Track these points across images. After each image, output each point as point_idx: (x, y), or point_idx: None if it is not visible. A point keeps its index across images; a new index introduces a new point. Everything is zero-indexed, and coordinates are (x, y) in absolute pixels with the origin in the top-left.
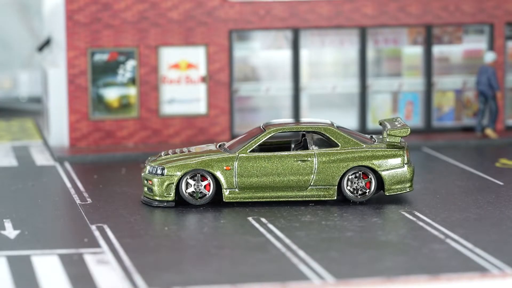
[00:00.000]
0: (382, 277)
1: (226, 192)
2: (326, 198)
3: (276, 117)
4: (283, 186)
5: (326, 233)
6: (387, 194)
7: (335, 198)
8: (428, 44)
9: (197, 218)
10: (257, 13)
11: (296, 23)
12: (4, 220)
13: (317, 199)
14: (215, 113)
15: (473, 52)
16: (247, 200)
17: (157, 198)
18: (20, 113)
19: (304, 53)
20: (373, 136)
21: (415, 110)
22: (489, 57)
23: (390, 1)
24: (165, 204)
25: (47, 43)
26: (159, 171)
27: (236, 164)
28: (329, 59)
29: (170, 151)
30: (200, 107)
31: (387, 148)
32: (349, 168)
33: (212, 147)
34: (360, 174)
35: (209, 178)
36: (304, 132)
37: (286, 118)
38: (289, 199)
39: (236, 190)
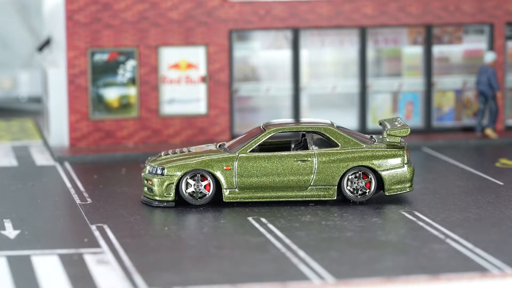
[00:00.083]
0: (382, 277)
1: (226, 192)
2: (326, 198)
3: (276, 117)
4: (283, 186)
5: (326, 233)
6: (387, 194)
7: (335, 198)
8: (428, 44)
9: (197, 218)
10: (257, 13)
11: (296, 23)
12: (4, 220)
13: (317, 199)
14: (215, 113)
15: (473, 52)
16: (247, 200)
17: (157, 198)
18: (20, 113)
19: (304, 53)
20: (373, 136)
21: (415, 110)
22: (489, 57)
23: (390, 1)
24: (165, 204)
25: (47, 43)
26: (159, 171)
27: (236, 164)
28: (329, 59)
29: (170, 151)
30: (200, 107)
31: (387, 148)
32: (349, 168)
33: (212, 147)
34: (360, 174)
35: (209, 178)
36: (304, 132)
37: (286, 118)
38: (289, 199)
39: (236, 190)
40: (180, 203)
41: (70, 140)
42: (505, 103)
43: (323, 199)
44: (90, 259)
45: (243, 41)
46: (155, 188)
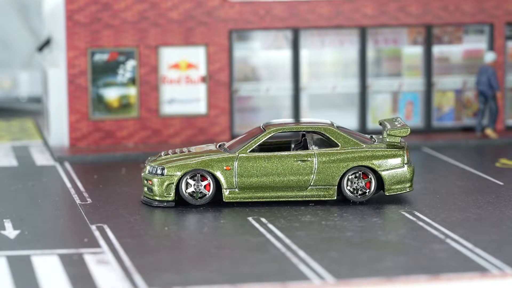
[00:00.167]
0: (382, 277)
1: (226, 192)
2: (326, 198)
3: (276, 117)
4: (283, 186)
5: (326, 233)
6: (387, 194)
7: (335, 198)
8: (428, 44)
9: (197, 218)
10: (257, 13)
11: (296, 23)
12: (4, 220)
13: (317, 199)
14: (215, 113)
15: (473, 52)
16: (247, 200)
17: (157, 198)
18: (20, 113)
19: (304, 53)
20: (373, 136)
21: (415, 110)
22: (489, 57)
23: (390, 1)
24: (165, 204)
25: (47, 43)
26: (159, 171)
27: (236, 164)
28: (329, 59)
29: (170, 151)
30: (200, 107)
31: (387, 148)
32: (349, 168)
33: (212, 147)
34: (360, 174)
35: (209, 178)
36: (304, 132)
37: (286, 118)
38: (289, 199)
39: (236, 190)
40: (180, 203)
41: (70, 140)
42: (505, 103)
43: (323, 199)
44: (90, 259)
45: (243, 41)
46: (155, 188)
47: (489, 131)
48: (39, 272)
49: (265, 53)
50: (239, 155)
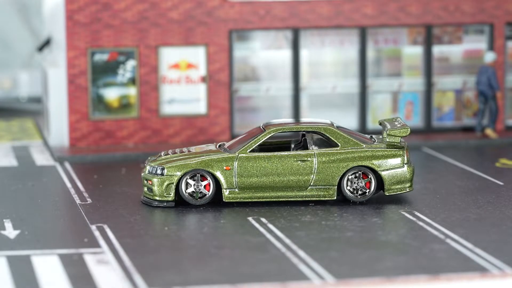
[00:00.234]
0: (382, 277)
1: (226, 192)
2: (326, 198)
3: (276, 117)
4: (283, 186)
5: (326, 233)
6: (387, 194)
7: (335, 198)
8: (428, 44)
9: (197, 218)
10: (257, 13)
11: (296, 23)
12: (4, 220)
13: (317, 199)
14: (215, 113)
15: (473, 52)
16: (247, 200)
17: (157, 198)
18: (20, 113)
19: (304, 53)
20: (373, 136)
21: (415, 110)
22: (489, 57)
23: (390, 1)
24: (165, 204)
25: (47, 43)
26: (159, 171)
27: (236, 164)
28: (329, 59)
29: (170, 151)
30: (200, 107)
31: (387, 148)
32: (349, 168)
33: (212, 147)
34: (360, 174)
35: (209, 178)
36: (304, 132)
37: (286, 118)
38: (289, 199)
39: (236, 190)
40: (180, 203)
41: (70, 140)
42: (505, 103)
43: (323, 199)
44: (90, 259)
45: (243, 41)
46: (155, 188)
47: (489, 131)
48: (39, 272)
49: (265, 53)
50: (239, 155)
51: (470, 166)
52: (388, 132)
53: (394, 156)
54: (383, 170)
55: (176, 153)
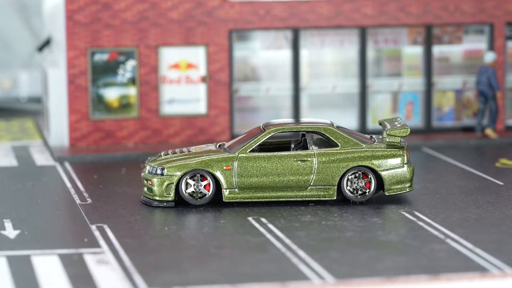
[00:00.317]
0: (382, 277)
1: (226, 192)
2: (326, 198)
3: (276, 117)
4: (283, 186)
5: (326, 233)
6: (387, 194)
7: (335, 198)
8: (428, 44)
9: (197, 218)
10: (257, 13)
11: (296, 23)
12: (4, 220)
13: (317, 199)
14: (215, 113)
15: (473, 52)
16: (247, 200)
17: (157, 198)
18: (20, 113)
19: (304, 53)
20: (373, 136)
21: (415, 110)
22: (489, 57)
23: (390, 1)
24: (165, 204)
25: (47, 43)
26: (159, 171)
27: (236, 164)
28: (329, 59)
29: (170, 151)
30: (200, 107)
31: (387, 148)
32: (349, 168)
33: (212, 147)
34: (360, 174)
35: (208, 178)
36: (304, 132)
37: (286, 118)
38: (289, 199)
39: (236, 190)
40: (180, 203)
41: (70, 140)
42: (505, 103)
43: (323, 199)
44: (90, 259)
45: (243, 41)
46: (155, 188)
47: (489, 131)
48: (39, 272)
49: (265, 53)
50: (239, 155)
51: (470, 166)
52: (388, 132)
53: (394, 156)
54: (383, 170)
55: (176, 153)
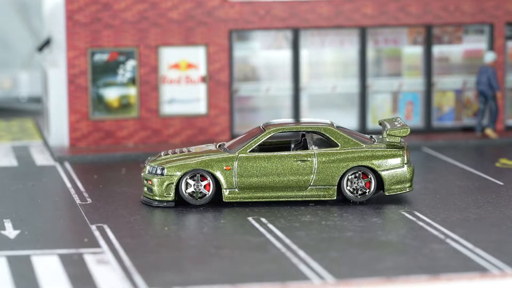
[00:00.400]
0: (382, 277)
1: (226, 192)
2: (326, 198)
3: (276, 117)
4: (283, 186)
5: (326, 233)
6: (387, 194)
7: (335, 198)
8: (428, 44)
9: (197, 218)
10: (257, 13)
11: (296, 23)
12: (4, 220)
13: (317, 199)
14: (215, 113)
15: (473, 52)
16: (247, 200)
17: (157, 198)
18: (20, 113)
19: (304, 53)
20: (373, 136)
21: (415, 110)
22: (489, 57)
23: (390, 1)
24: (165, 204)
25: (47, 43)
26: (158, 171)
27: (236, 164)
28: (329, 59)
29: (170, 151)
30: (200, 107)
31: (387, 148)
32: (349, 168)
33: (212, 147)
34: (360, 174)
35: (208, 178)
36: (304, 132)
37: (286, 118)
38: (289, 199)
39: (236, 190)
40: (180, 203)
41: (70, 140)
42: (505, 103)
43: (323, 199)
44: (90, 259)
45: (243, 41)
46: (155, 188)
47: (489, 131)
48: (39, 272)
49: (265, 53)
50: (239, 155)
51: (470, 166)
52: (388, 132)
53: (394, 156)
54: (383, 170)
55: (176, 153)
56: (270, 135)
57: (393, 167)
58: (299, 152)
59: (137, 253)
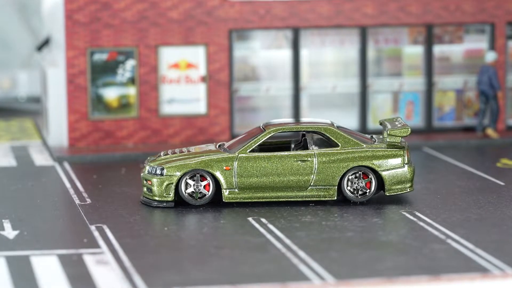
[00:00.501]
0: (383, 277)
1: (225, 192)
2: (326, 198)
3: (276, 117)
4: (283, 186)
5: (326, 234)
6: (388, 194)
7: (335, 198)
8: (428, 43)
9: (197, 218)
10: (257, 13)
11: (296, 22)
12: (3, 220)
13: (317, 199)
14: (215, 113)
15: (474, 52)
16: (247, 200)
17: (157, 198)
18: (19, 113)
19: (304, 53)
20: (373, 136)
21: (416, 110)
22: (490, 56)
23: (391, 1)
24: (165, 204)
25: (46, 42)
26: (158, 171)
27: (235, 164)
28: (329, 59)
29: (169, 151)
30: (200, 107)
31: (388, 148)
32: (349, 168)
33: (211, 147)
34: (360, 174)
35: (208, 178)
36: (304, 132)
37: (286, 118)
38: (289, 199)
39: (236, 190)
40: (180, 203)
41: (69, 140)
42: (506, 103)
43: (323, 199)
44: (89, 260)
45: (243, 41)
46: (155, 188)
47: (490, 131)
48: (38, 273)
49: (265, 53)
50: (239, 155)
51: (471, 166)
52: (388, 132)
53: (394, 156)
54: (384, 170)
55: (175, 153)
56: (270, 135)
57: (394, 167)
58: (299, 152)
59: (137, 253)
